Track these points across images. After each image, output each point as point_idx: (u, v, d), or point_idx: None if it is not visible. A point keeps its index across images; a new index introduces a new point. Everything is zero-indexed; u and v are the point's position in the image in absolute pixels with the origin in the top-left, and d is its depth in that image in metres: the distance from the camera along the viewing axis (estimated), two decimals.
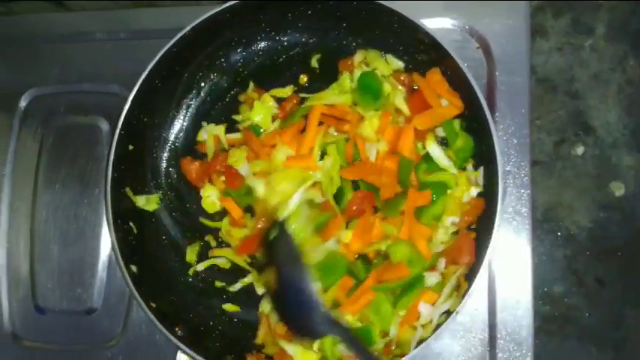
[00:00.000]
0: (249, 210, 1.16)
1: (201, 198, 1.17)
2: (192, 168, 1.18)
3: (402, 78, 1.15)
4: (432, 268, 1.06)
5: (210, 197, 1.17)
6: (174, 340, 1.03)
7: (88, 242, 1.23)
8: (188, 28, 1.09)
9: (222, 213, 1.18)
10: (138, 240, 1.13)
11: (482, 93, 1.04)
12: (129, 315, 1.19)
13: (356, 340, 0.94)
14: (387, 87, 1.13)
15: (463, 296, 0.99)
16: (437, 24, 1.22)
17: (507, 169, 1.16)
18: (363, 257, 1.09)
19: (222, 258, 1.17)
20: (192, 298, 1.16)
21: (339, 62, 1.18)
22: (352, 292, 1.05)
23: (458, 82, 1.07)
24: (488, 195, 1.06)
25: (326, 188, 1.10)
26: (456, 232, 1.08)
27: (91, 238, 1.23)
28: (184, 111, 1.22)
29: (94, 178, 1.25)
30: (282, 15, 1.17)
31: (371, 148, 1.11)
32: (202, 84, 1.22)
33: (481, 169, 1.08)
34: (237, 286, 1.16)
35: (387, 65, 1.16)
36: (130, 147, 1.13)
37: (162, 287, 1.14)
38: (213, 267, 1.17)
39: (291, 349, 1.04)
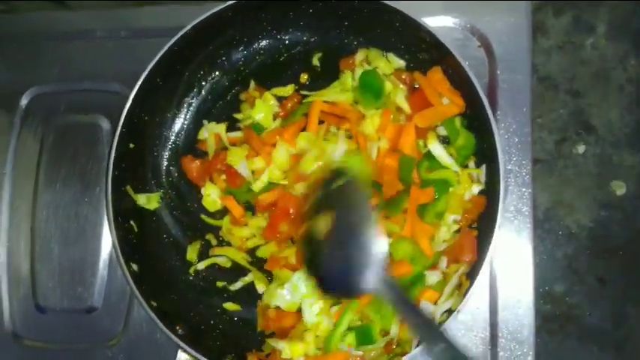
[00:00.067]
0: (249, 208, 1.16)
1: (202, 196, 1.17)
2: (193, 166, 1.18)
3: (403, 77, 1.15)
4: (434, 266, 1.06)
5: (211, 196, 1.16)
6: (175, 339, 1.03)
7: (89, 241, 1.23)
8: (189, 26, 1.09)
9: (223, 211, 1.18)
10: (139, 239, 1.13)
11: (484, 91, 1.04)
12: (130, 314, 1.19)
13: (410, 303, 0.87)
14: (388, 85, 1.13)
15: (465, 295, 0.99)
16: (438, 22, 1.22)
17: (509, 167, 1.16)
18: None
19: (222, 257, 1.16)
20: (193, 297, 1.16)
21: (341, 61, 1.18)
22: None
23: (459, 80, 1.07)
24: (490, 193, 1.05)
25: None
26: (457, 231, 1.08)
27: (92, 236, 1.23)
28: (185, 109, 1.22)
29: (94, 176, 1.25)
30: (283, 13, 1.17)
31: (372, 146, 1.11)
32: (203, 82, 1.22)
33: (483, 166, 1.08)
34: (237, 285, 1.16)
35: (388, 64, 1.16)
36: (131, 145, 1.13)
37: (162, 286, 1.13)
38: (213, 266, 1.17)
39: (280, 344, 1.04)
